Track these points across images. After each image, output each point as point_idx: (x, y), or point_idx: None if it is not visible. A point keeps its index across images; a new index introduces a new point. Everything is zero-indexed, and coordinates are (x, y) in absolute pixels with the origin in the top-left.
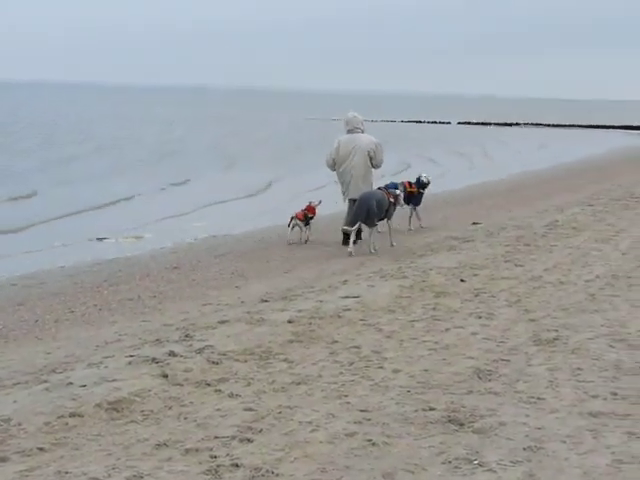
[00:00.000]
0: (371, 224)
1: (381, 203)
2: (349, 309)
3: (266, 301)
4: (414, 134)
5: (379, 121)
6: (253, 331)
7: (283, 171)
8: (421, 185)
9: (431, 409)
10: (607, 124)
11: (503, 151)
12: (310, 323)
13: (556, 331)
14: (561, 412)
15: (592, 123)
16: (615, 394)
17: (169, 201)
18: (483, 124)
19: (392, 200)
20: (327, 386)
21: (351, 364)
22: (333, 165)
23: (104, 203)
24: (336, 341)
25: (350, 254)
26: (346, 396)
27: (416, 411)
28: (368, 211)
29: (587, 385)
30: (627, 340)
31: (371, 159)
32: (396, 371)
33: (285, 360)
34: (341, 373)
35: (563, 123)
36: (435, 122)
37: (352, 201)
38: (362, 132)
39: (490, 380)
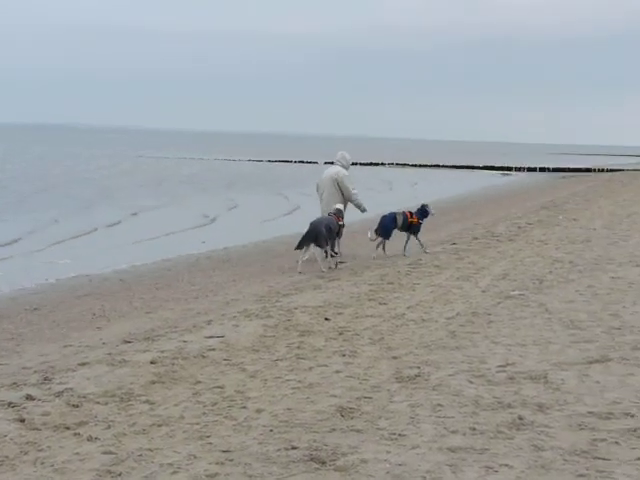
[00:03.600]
0: (321, 246)
1: (330, 226)
2: (213, 349)
3: (128, 342)
4: (286, 173)
5: (245, 160)
6: (114, 373)
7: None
8: (423, 215)
9: (293, 448)
10: (470, 164)
11: (368, 190)
12: (173, 364)
13: (418, 368)
14: (422, 448)
15: (456, 163)
16: (474, 429)
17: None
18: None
19: (341, 223)
20: (189, 427)
21: (214, 404)
22: (317, 189)
23: None
24: (199, 381)
25: (300, 272)
26: (208, 437)
27: (278, 450)
28: (317, 235)
29: (447, 421)
30: (486, 376)
31: (339, 185)
32: (259, 411)
33: (147, 402)
34: (204, 414)
35: (428, 163)
36: (303, 162)
37: None
38: (341, 166)
39: (352, 418)
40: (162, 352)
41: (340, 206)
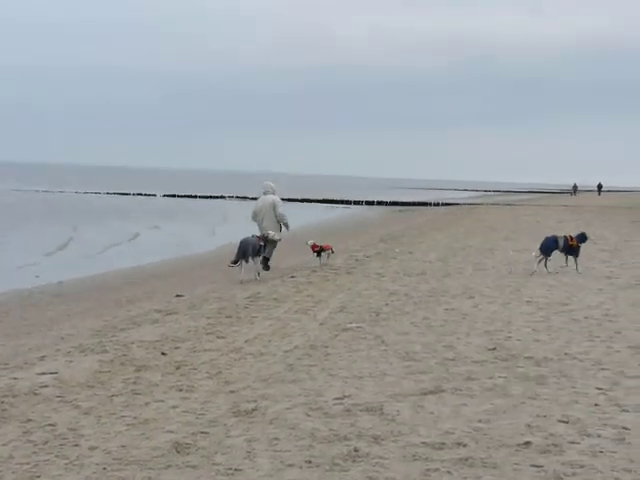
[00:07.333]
0: (247, 260)
1: (255, 246)
2: (45, 386)
3: None
4: (120, 205)
5: (89, 192)
6: None
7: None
8: (582, 240)
9: None
10: (308, 197)
11: (210, 223)
12: (2, 402)
13: (255, 402)
14: None
15: (293, 197)
16: (310, 462)
17: None
18: (189, 197)
19: (262, 243)
20: (18, 467)
21: (45, 443)
22: (255, 217)
23: None
24: (30, 420)
25: (241, 281)
26: (38, 477)
27: None
28: (245, 252)
29: (283, 454)
30: (323, 408)
31: (275, 211)
32: (92, 448)
33: None
34: (34, 453)
35: None
36: (141, 194)
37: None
38: (273, 194)
39: (188, 453)
40: None
41: (272, 233)
